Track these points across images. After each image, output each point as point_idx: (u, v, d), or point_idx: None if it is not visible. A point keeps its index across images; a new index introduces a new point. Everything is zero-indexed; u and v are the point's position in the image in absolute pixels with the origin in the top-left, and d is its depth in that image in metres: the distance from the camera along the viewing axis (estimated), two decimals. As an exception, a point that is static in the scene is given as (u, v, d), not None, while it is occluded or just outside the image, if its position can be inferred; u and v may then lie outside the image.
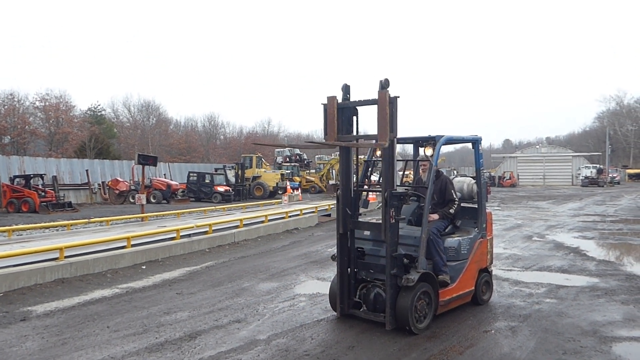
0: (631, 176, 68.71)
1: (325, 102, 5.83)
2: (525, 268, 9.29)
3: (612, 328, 5.81)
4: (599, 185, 52.87)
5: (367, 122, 5.90)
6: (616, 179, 59.91)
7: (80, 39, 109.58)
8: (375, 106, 5.45)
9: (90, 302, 7.01)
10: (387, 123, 5.31)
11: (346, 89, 5.89)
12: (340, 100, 5.84)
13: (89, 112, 53.58)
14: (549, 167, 63.16)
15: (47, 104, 43.59)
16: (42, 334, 5.62)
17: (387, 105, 5.31)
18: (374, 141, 5.64)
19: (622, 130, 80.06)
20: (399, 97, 5.39)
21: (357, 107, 5.87)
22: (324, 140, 5.93)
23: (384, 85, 5.40)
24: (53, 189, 23.58)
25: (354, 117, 5.91)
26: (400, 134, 5.60)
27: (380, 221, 5.59)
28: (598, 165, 58.22)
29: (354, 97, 5.90)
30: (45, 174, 25.55)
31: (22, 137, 39.80)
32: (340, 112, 5.83)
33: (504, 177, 56.98)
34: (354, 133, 5.93)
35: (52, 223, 14.52)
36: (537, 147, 67.71)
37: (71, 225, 13.62)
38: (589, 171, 55.18)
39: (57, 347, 5.22)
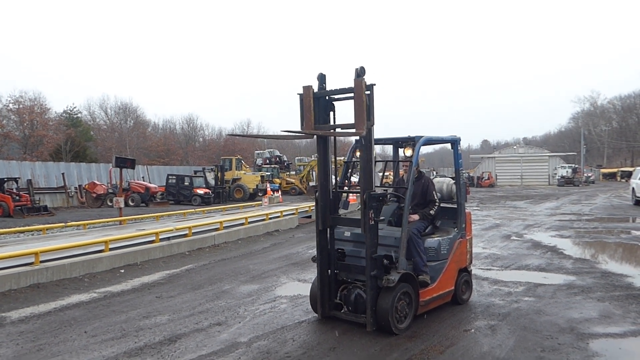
0: (605, 175, 70.18)
1: (302, 92, 5.69)
2: (504, 267, 9.39)
3: (589, 325, 5.91)
4: (574, 184, 53.82)
5: (344, 116, 5.78)
6: (591, 178, 61.11)
7: (55, 39, 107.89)
8: (352, 95, 5.32)
9: (67, 307, 6.87)
10: (363, 111, 5.22)
11: (322, 79, 5.76)
12: (316, 90, 5.70)
13: (64, 114, 52.65)
14: (526, 167, 64.04)
15: (21, 106, 42.75)
16: (17, 341, 5.49)
17: (363, 93, 5.22)
18: (352, 130, 5.50)
19: (596, 131, 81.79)
20: (375, 84, 5.29)
21: (333, 99, 5.76)
22: (300, 130, 5.76)
23: (360, 73, 5.29)
24: (28, 192, 23.11)
25: (331, 109, 5.80)
26: (379, 134, 5.57)
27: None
28: (573, 165, 59.29)
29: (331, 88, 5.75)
30: (19, 178, 25.05)
31: (-5, 140, 39.00)
32: (317, 102, 5.68)
33: (483, 178, 57.51)
34: (331, 123, 5.82)
35: (27, 227, 14.23)
36: (515, 147, 68.57)
37: (47, 230, 13.32)
38: (565, 171, 56.16)
39: (32, 354, 5.10)
